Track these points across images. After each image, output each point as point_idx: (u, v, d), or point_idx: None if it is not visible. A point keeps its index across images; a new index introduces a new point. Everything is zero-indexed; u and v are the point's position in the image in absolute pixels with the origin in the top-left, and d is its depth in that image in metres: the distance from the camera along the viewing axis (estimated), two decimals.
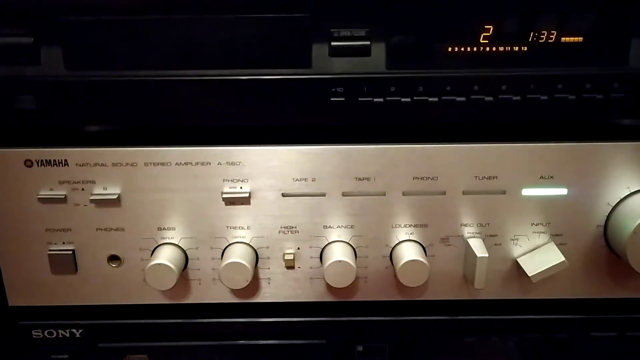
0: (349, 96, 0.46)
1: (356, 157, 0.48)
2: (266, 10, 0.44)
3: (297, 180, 0.49)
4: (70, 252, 0.50)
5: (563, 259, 0.48)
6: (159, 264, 0.47)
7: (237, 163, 0.48)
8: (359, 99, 0.46)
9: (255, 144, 0.48)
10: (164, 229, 0.50)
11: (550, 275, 0.49)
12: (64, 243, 0.50)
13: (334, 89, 0.46)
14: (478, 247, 0.48)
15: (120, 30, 0.45)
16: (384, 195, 0.49)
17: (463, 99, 0.47)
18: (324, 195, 0.49)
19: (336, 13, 0.45)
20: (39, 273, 0.51)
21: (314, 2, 0.44)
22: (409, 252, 0.48)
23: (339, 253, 0.49)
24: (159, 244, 0.50)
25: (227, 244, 0.50)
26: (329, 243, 0.50)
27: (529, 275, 0.49)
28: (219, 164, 0.48)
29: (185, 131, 0.50)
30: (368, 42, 0.45)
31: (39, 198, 0.48)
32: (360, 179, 0.49)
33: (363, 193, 0.49)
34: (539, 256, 0.49)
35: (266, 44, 0.45)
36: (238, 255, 0.48)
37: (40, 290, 0.51)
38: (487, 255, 0.48)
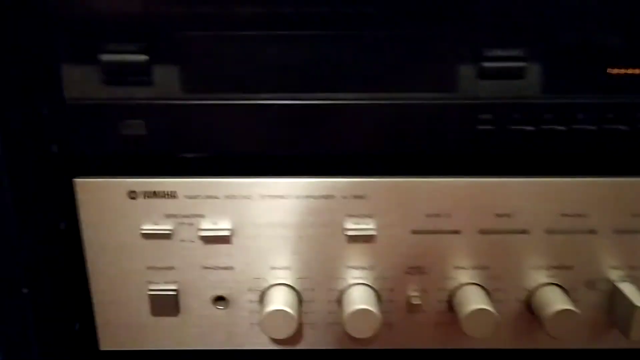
0: (498, 123, 0.41)
1: (496, 191, 0.43)
2: (407, 26, 0.39)
3: (429, 215, 0.43)
4: (174, 293, 0.45)
5: None
6: (278, 309, 0.42)
7: (363, 196, 0.43)
8: (509, 126, 0.41)
9: (383, 175, 0.43)
10: (278, 268, 0.45)
11: None
12: (166, 282, 0.45)
13: (480, 116, 0.41)
14: (635, 295, 0.43)
15: (244, 48, 0.39)
16: (526, 233, 0.44)
17: (626, 127, 0.41)
18: (458, 232, 0.44)
19: (488, 30, 0.39)
20: (136, 314, 0.46)
21: (463, 17, 0.39)
22: (557, 299, 0.43)
23: (475, 298, 0.43)
24: (271, 284, 0.45)
25: (347, 284, 0.45)
26: (461, 285, 0.45)
27: None
28: (344, 197, 0.43)
29: (301, 161, 0.44)
30: (523, 64, 0.40)
31: (142, 233, 0.43)
32: (500, 215, 0.43)
33: (503, 230, 0.44)
34: None
35: (406, 65, 0.40)
36: (362, 299, 0.43)
37: (135, 333, 0.46)
38: None
